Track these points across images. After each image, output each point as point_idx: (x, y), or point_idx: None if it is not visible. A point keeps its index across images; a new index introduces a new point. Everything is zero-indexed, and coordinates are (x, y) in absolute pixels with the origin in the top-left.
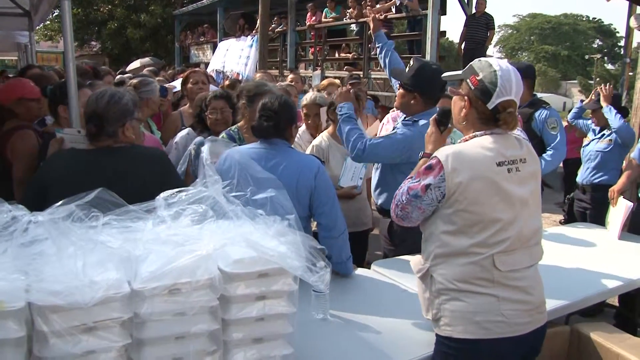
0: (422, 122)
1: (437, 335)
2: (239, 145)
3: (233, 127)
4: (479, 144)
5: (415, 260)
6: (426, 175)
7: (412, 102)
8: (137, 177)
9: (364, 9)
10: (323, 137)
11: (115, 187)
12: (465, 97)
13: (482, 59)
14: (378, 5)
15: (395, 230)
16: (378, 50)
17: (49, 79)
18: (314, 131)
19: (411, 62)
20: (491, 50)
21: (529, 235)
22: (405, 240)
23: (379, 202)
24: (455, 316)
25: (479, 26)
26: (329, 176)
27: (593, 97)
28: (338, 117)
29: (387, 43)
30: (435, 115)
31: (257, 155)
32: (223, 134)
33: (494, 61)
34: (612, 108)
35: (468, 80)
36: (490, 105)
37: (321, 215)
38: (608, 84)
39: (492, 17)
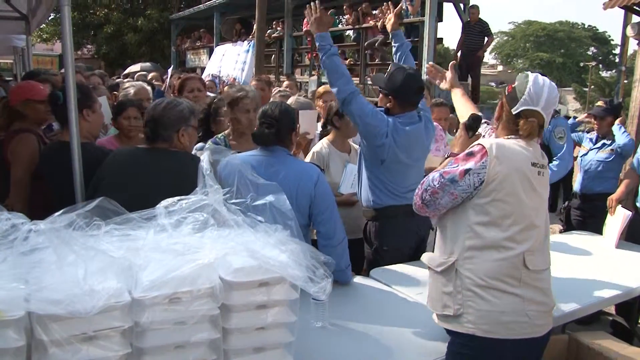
0: (399, 119)
1: (454, 333)
2: None
3: (219, 135)
4: (516, 142)
5: (430, 255)
6: (466, 160)
7: (388, 105)
8: (190, 182)
9: (360, 15)
10: (323, 144)
11: (168, 189)
12: (500, 101)
13: (525, 73)
14: (375, 12)
15: (368, 231)
16: (394, 49)
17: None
18: None
19: (389, 67)
20: (487, 57)
21: (547, 237)
22: (375, 244)
23: (364, 201)
24: (482, 315)
25: (474, 34)
26: (328, 184)
27: (589, 113)
28: (322, 46)
29: (404, 44)
30: (466, 120)
31: (257, 162)
32: (209, 142)
33: (533, 74)
34: (622, 127)
35: (505, 88)
36: (514, 111)
37: (320, 223)
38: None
39: (487, 23)
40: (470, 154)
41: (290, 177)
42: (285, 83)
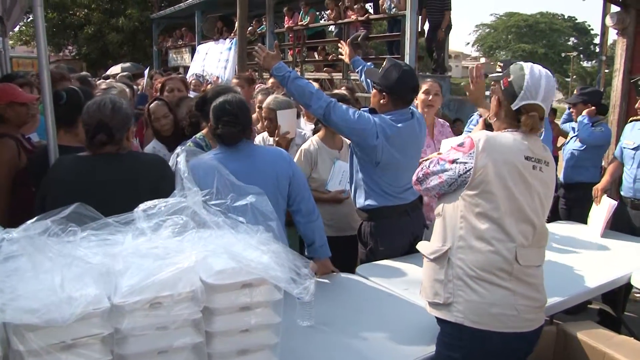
0: (387, 116)
1: (443, 322)
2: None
3: (198, 135)
4: (512, 136)
5: (425, 243)
6: (456, 150)
7: (381, 101)
8: (144, 184)
9: (342, 10)
10: (312, 142)
11: (122, 194)
12: (496, 97)
13: (520, 62)
14: (356, 6)
15: (363, 232)
16: (359, 75)
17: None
18: (273, 135)
19: (384, 63)
20: (469, 49)
21: (542, 235)
22: (368, 243)
23: (358, 203)
24: (471, 306)
25: (435, 9)
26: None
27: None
28: (282, 77)
29: (365, 65)
30: (487, 118)
31: (226, 158)
32: (189, 142)
33: (528, 65)
34: (587, 118)
35: (501, 81)
36: (514, 107)
37: (302, 201)
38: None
39: None
40: (461, 145)
41: (267, 163)
42: (271, 81)
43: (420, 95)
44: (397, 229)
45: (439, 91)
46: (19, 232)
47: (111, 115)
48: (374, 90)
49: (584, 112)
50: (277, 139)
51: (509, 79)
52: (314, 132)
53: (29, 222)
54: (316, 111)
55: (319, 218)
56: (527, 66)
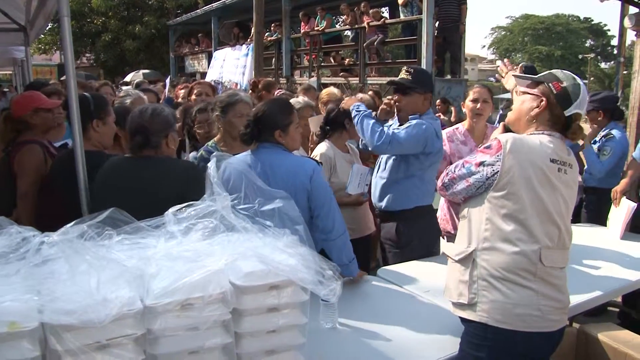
0: (429, 115)
1: (467, 321)
2: None
3: (210, 142)
4: (538, 139)
5: (451, 245)
6: (483, 153)
7: (425, 101)
8: (167, 190)
9: (358, 15)
10: (327, 145)
11: (147, 196)
12: (543, 99)
13: (565, 72)
14: (371, 11)
15: (402, 232)
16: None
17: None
18: (304, 139)
19: (409, 69)
20: (485, 52)
21: (567, 237)
22: (411, 242)
23: (384, 204)
24: (495, 306)
25: (449, 3)
26: (325, 178)
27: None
28: (357, 112)
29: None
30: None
31: (252, 161)
32: (202, 151)
33: (574, 75)
34: (592, 150)
35: (550, 84)
36: (568, 113)
37: (319, 217)
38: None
39: None
40: (488, 147)
41: (285, 173)
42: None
43: (468, 103)
44: (432, 226)
45: (489, 98)
46: (58, 236)
47: (150, 119)
48: (414, 95)
49: (585, 141)
50: (312, 145)
51: (561, 85)
52: (320, 138)
53: (67, 225)
54: (379, 147)
55: (340, 237)
56: (576, 76)
